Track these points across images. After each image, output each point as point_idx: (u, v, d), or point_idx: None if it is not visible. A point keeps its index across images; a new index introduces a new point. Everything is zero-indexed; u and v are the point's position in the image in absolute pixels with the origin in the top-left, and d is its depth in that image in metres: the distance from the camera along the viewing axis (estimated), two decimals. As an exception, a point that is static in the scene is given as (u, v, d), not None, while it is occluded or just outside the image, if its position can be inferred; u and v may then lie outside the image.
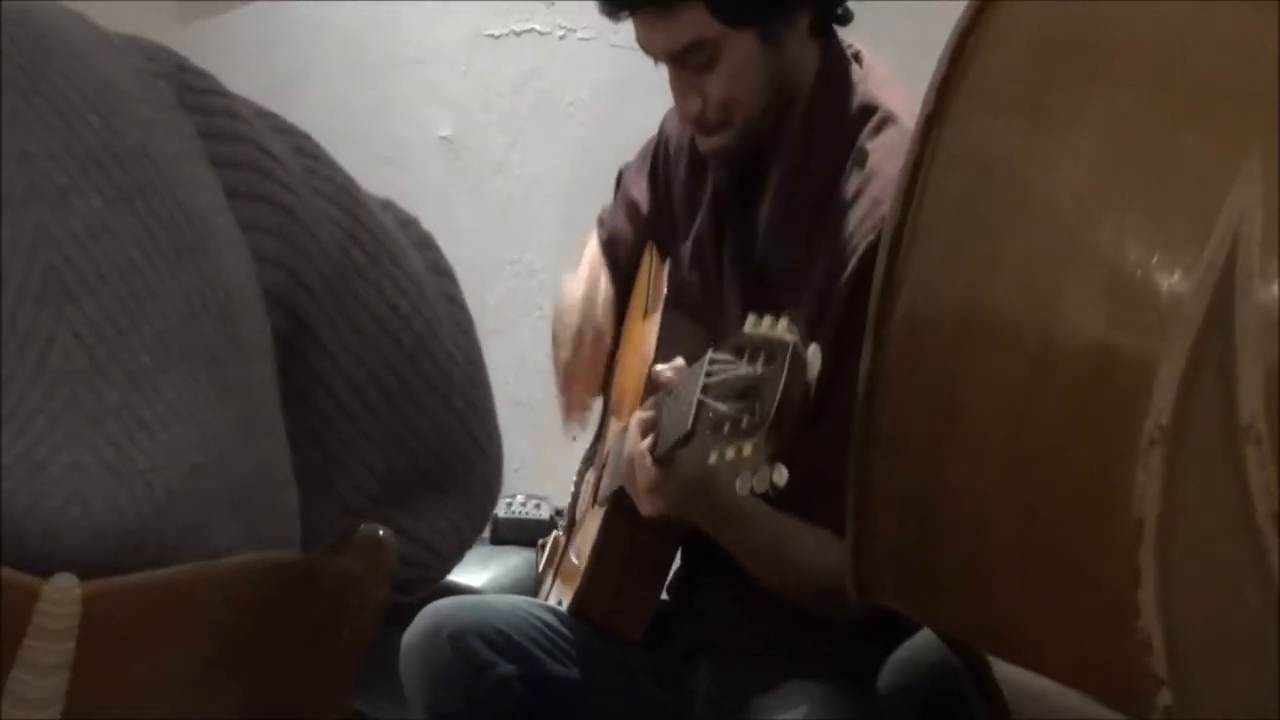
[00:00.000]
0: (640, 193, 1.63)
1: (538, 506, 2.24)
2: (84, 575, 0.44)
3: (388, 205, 0.71)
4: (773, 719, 1.44)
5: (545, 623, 1.66)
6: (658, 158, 1.60)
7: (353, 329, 0.63)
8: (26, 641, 0.42)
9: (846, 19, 1.44)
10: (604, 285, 1.59)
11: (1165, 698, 0.60)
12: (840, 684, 1.49)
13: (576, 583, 1.70)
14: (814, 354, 1.08)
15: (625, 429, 1.46)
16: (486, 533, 2.27)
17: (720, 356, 1.18)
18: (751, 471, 1.15)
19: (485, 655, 1.56)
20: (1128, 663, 0.62)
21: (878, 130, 1.39)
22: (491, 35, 2.34)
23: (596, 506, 1.71)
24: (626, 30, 1.41)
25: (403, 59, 2.44)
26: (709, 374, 1.19)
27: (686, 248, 1.51)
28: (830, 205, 1.37)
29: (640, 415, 1.36)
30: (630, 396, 1.59)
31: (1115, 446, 0.60)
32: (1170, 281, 0.64)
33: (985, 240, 0.83)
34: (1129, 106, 0.72)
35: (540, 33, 2.31)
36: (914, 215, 0.88)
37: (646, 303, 1.58)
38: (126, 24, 0.62)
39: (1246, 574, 0.60)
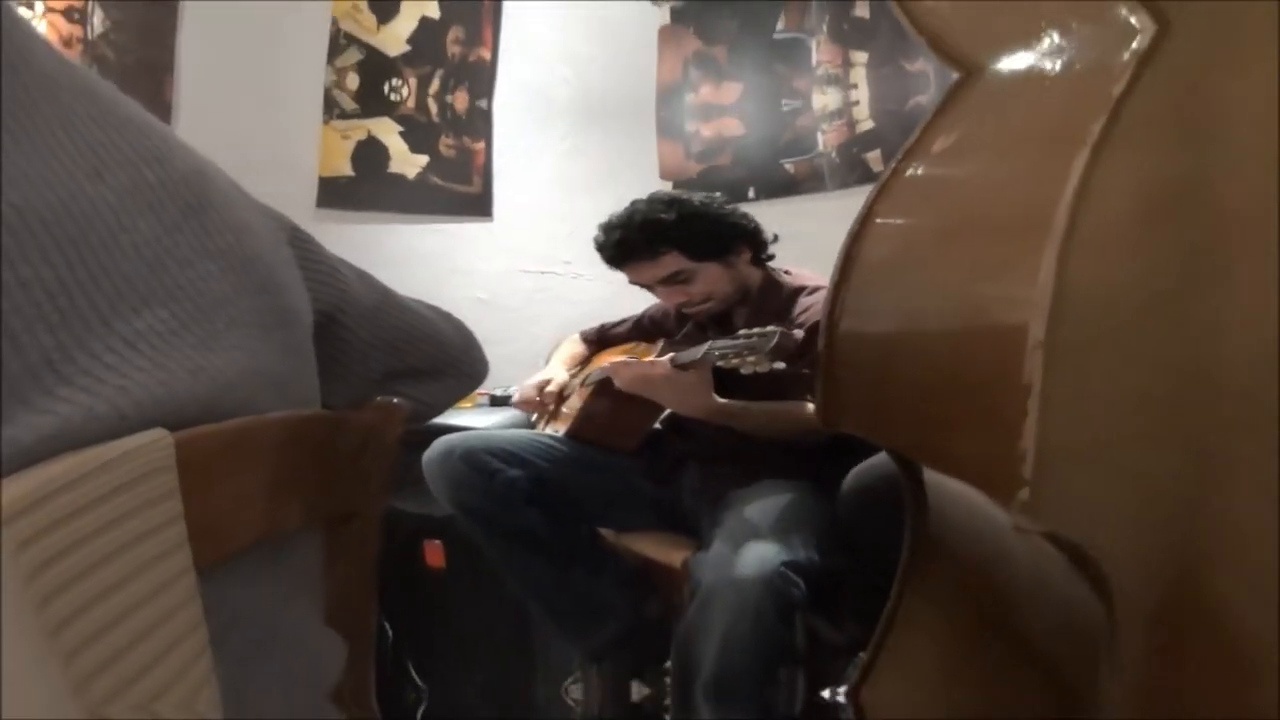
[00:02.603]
0: (639, 324, 2.15)
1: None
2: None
3: (428, 305, 0.94)
4: (744, 505, 1.62)
5: (545, 443, 1.85)
6: (649, 320, 2.12)
7: (377, 325, 0.84)
8: (147, 485, 0.54)
9: (771, 259, 1.94)
10: (562, 373, 2.10)
11: (1024, 494, 0.80)
12: (803, 485, 1.67)
13: (570, 420, 1.90)
14: (798, 332, 1.38)
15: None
16: (486, 400, 2.59)
17: (719, 342, 1.51)
18: (755, 363, 1.42)
19: (494, 465, 1.75)
20: (1010, 467, 0.81)
21: (811, 294, 1.83)
22: (526, 270, 3.09)
23: (583, 387, 1.93)
24: (615, 278, 1.94)
25: (460, 270, 3.13)
26: (712, 346, 1.52)
27: (680, 334, 1.99)
28: (787, 317, 1.78)
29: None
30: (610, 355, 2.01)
31: (1013, 351, 0.81)
32: (1024, 291, 0.84)
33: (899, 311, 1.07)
34: (960, 249, 0.98)
35: (559, 275, 3.06)
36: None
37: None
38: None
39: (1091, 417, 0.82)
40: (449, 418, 2.18)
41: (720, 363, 1.45)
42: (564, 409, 1.96)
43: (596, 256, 1.88)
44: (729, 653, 1.37)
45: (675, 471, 1.85)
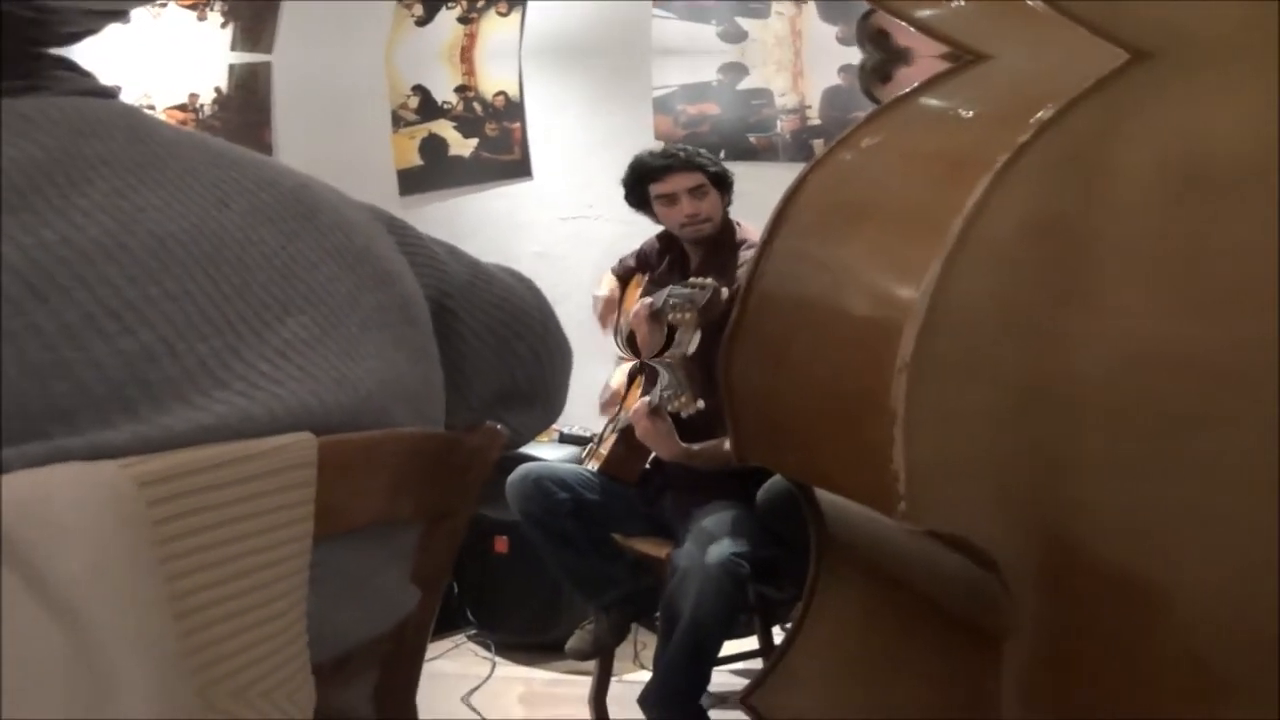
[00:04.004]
0: (638, 259, 1.93)
1: (584, 430, 2.30)
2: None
3: (503, 268, 0.69)
4: (703, 518, 1.54)
5: (585, 475, 1.75)
6: (642, 254, 1.90)
7: (476, 306, 0.61)
8: (287, 475, 0.40)
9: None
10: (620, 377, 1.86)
11: (902, 506, 0.63)
12: (740, 501, 1.56)
13: (603, 458, 1.78)
14: (725, 291, 1.20)
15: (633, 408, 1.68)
16: (557, 435, 2.33)
17: (677, 288, 1.31)
18: (682, 406, 1.29)
19: (551, 488, 1.66)
20: (886, 486, 0.64)
21: (750, 249, 1.68)
22: (562, 218, 2.60)
23: (612, 432, 1.82)
24: (625, 217, 1.81)
25: (516, 224, 2.64)
26: (670, 293, 1.31)
27: (656, 273, 1.82)
28: (731, 266, 1.68)
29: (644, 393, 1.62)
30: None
31: (882, 371, 0.61)
32: (907, 292, 0.63)
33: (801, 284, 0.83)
34: (874, 234, 0.76)
35: (589, 218, 2.57)
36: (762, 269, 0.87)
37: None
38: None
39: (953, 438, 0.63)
40: (530, 449, 2.02)
41: (671, 315, 1.26)
42: (601, 450, 1.85)
43: (611, 202, 1.74)
44: (701, 608, 1.37)
45: (659, 496, 1.77)
